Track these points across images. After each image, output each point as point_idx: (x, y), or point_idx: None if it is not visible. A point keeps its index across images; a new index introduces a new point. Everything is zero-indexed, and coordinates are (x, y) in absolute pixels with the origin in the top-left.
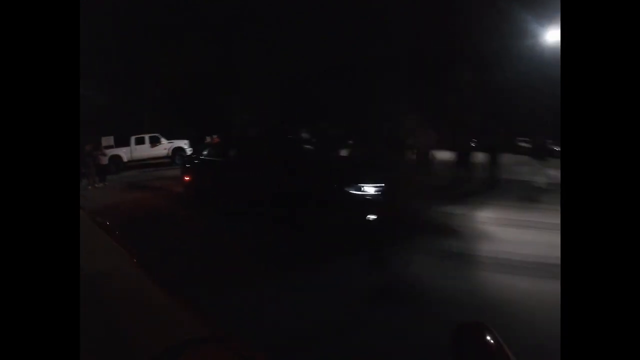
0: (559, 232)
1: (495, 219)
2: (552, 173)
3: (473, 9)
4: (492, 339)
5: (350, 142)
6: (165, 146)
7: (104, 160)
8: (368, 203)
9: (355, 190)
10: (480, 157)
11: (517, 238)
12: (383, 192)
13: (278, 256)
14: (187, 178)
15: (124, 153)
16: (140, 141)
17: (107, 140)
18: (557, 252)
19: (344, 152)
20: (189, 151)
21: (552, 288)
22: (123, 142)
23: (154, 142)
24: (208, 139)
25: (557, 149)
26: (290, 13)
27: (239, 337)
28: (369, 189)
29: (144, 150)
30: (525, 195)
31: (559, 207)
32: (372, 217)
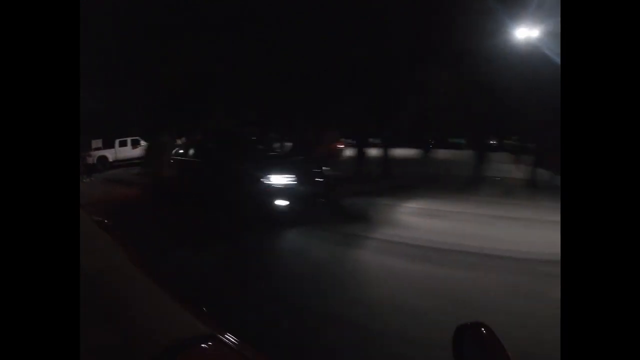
0: (468, 220)
1: (417, 209)
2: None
3: (440, 7)
4: (492, 338)
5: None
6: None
7: (91, 160)
8: (279, 191)
9: (268, 181)
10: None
11: (428, 226)
12: (294, 182)
13: (207, 230)
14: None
15: (110, 154)
16: (123, 144)
17: (97, 142)
18: (452, 238)
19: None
20: None
21: (422, 269)
22: (109, 144)
23: (135, 144)
24: (178, 141)
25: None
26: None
27: (239, 337)
28: (280, 180)
29: (127, 152)
30: (453, 187)
31: (481, 198)
32: (283, 202)
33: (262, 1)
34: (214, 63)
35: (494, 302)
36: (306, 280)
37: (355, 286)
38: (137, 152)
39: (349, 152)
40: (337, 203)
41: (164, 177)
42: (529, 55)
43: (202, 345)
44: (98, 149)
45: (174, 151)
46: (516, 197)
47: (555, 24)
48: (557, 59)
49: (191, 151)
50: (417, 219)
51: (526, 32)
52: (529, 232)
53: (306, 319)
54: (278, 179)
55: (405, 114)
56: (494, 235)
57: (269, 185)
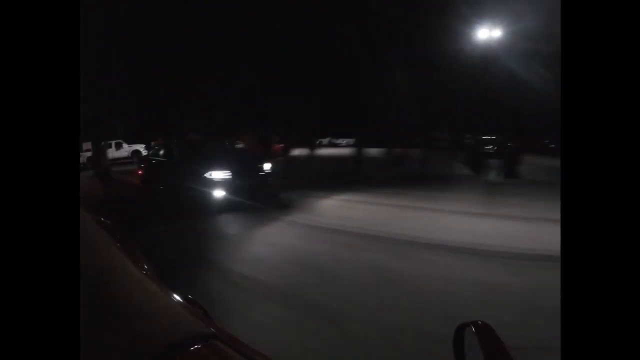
0: (377, 209)
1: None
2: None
3: (397, 11)
4: (493, 338)
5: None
6: (126, 149)
7: (81, 160)
8: (217, 184)
9: (209, 176)
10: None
11: (338, 213)
12: (230, 177)
13: (167, 214)
14: (140, 171)
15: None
16: (108, 146)
17: (87, 145)
18: (351, 222)
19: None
20: (144, 152)
21: (305, 241)
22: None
23: (119, 146)
24: (152, 143)
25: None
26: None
27: (239, 336)
28: (219, 175)
29: (112, 153)
30: (385, 182)
31: (401, 191)
32: (220, 193)
33: (235, 10)
34: (189, 74)
35: (324, 265)
36: (215, 243)
37: (249, 249)
38: (120, 153)
39: (300, 152)
40: (273, 194)
41: (105, 168)
42: (485, 57)
43: (202, 345)
44: (88, 150)
45: (150, 151)
46: (434, 190)
47: (513, 26)
48: (513, 60)
49: (161, 151)
50: (332, 208)
51: (487, 34)
52: (420, 219)
53: (202, 264)
54: (217, 175)
55: (360, 115)
56: (391, 221)
57: (210, 180)
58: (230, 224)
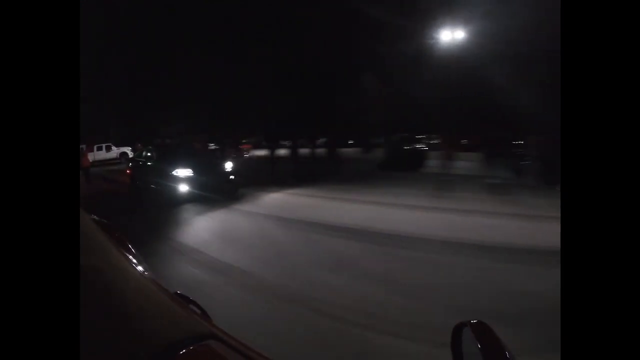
0: (317, 199)
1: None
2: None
3: (361, 17)
4: (492, 338)
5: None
6: (115, 152)
7: None
8: (183, 180)
9: (176, 174)
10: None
11: (278, 203)
12: (194, 175)
13: (143, 205)
14: (128, 171)
15: (90, 156)
16: (99, 148)
17: (82, 147)
18: (293, 212)
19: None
20: (130, 154)
21: (246, 221)
22: (90, 149)
23: (108, 149)
24: (138, 146)
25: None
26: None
27: (238, 336)
28: (184, 173)
29: (102, 155)
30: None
31: (349, 187)
32: (185, 188)
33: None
34: (167, 85)
35: (238, 236)
36: (171, 225)
37: (193, 228)
38: (110, 154)
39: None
40: (230, 189)
41: (85, 168)
42: (445, 59)
43: (201, 344)
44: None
45: (136, 153)
46: (377, 186)
47: (472, 27)
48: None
49: (144, 153)
50: (272, 200)
51: (448, 36)
52: (337, 208)
53: (160, 238)
54: (182, 172)
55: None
56: (312, 209)
57: (176, 177)
58: (186, 212)
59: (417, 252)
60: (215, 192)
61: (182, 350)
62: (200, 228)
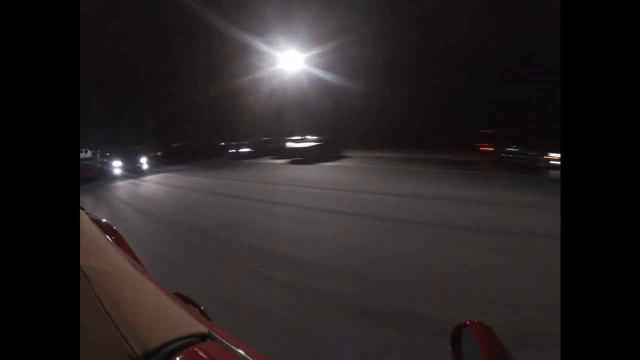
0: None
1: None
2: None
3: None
4: (491, 338)
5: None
6: (90, 153)
7: None
8: (116, 166)
9: (113, 162)
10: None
11: (165, 180)
12: (122, 162)
13: (104, 178)
14: (99, 164)
15: None
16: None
17: None
18: (169, 180)
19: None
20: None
21: (152, 188)
22: None
23: (85, 151)
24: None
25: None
26: None
27: (238, 336)
28: (117, 162)
29: (82, 155)
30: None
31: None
32: (118, 171)
33: None
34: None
35: (136, 195)
36: (103, 189)
37: (114, 191)
38: (87, 155)
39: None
40: (142, 172)
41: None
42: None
43: (199, 344)
44: None
45: (99, 151)
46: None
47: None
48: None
49: (106, 153)
50: (164, 177)
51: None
52: (200, 179)
53: (97, 197)
54: (116, 162)
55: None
56: (191, 179)
57: (113, 165)
58: (115, 183)
59: (210, 195)
60: (132, 172)
61: (181, 350)
62: (118, 190)
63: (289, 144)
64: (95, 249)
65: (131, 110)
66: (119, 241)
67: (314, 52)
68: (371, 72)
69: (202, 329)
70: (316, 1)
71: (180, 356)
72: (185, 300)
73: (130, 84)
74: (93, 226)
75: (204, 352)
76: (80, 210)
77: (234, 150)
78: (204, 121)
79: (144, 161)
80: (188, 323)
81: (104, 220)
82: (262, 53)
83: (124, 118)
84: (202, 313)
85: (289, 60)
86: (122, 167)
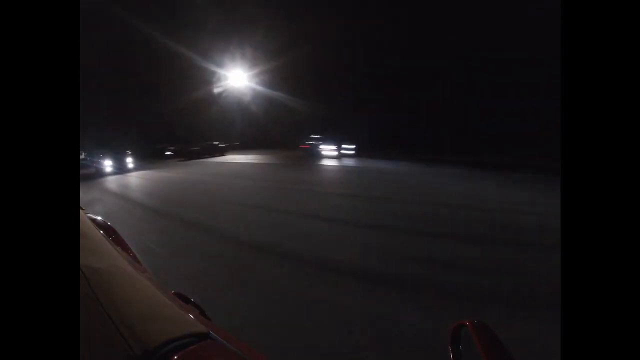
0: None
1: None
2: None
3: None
4: (491, 337)
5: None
6: (83, 155)
7: None
8: (106, 164)
9: (105, 162)
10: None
11: (149, 175)
12: (111, 162)
13: (98, 174)
14: (94, 164)
15: None
16: None
17: None
18: (150, 175)
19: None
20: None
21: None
22: None
23: (80, 153)
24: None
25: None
26: None
27: (238, 336)
28: (106, 161)
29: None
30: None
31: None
32: (109, 169)
33: None
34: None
35: (123, 185)
36: (98, 181)
37: (107, 183)
38: (81, 156)
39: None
40: (128, 170)
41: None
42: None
43: (199, 344)
44: None
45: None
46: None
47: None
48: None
49: (99, 155)
50: (147, 173)
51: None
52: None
53: (93, 188)
54: (107, 162)
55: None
56: (160, 174)
57: (105, 164)
58: (107, 178)
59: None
60: (120, 169)
61: (180, 349)
62: (110, 183)
63: (192, 148)
64: (95, 248)
65: (113, 117)
66: (118, 241)
67: (255, 70)
68: (297, 88)
69: (201, 328)
70: (259, 29)
71: (180, 355)
72: (185, 300)
73: (113, 93)
74: (93, 226)
75: (203, 351)
76: (80, 210)
77: (168, 153)
78: (163, 128)
79: (130, 161)
80: (187, 322)
81: (104, 220)
82: (213, 72)
83: (111, 124)
84: (202, 313)
85: (234, 78)
86: (112, 166)
